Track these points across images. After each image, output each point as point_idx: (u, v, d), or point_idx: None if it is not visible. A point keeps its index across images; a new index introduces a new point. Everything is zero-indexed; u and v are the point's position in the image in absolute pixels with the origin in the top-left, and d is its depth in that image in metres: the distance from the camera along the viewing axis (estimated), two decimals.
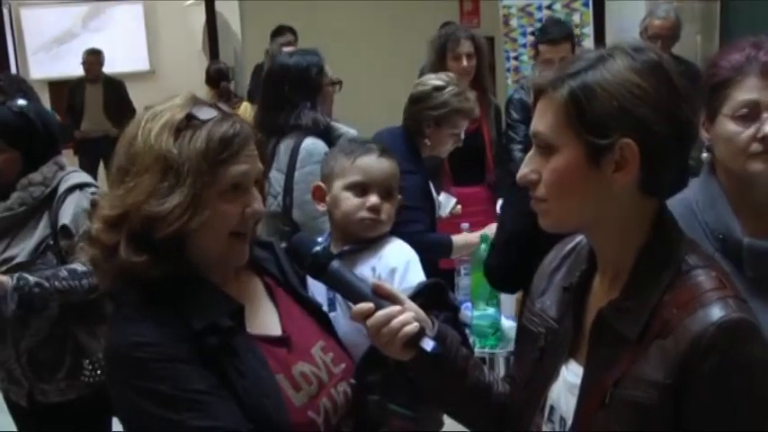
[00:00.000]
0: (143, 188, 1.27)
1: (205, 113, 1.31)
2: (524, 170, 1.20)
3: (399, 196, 1.91)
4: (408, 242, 2.25)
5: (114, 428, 2.73)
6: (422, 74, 3.73)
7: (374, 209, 1.79)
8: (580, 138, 1.13)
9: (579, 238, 1.34)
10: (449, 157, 3.56)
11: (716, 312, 1.09)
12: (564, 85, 1.14)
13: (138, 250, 1.28)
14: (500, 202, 3.02)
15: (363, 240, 1.82)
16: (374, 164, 1.82)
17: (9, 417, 2.79)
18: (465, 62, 3.83)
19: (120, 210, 1.29)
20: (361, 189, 1.81)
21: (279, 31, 6.49)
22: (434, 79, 3.14)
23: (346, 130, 3.04)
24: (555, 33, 4.11)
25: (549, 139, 1.16)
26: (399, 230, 2.80)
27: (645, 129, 1.12)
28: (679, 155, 1.17)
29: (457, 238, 3.03)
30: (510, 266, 2.36)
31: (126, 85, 8.36)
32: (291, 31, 6.49)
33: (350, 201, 1.80)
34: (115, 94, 8.02)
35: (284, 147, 2.91)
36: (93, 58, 8.11)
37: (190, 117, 1.30)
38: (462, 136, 3.14)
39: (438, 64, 3.81)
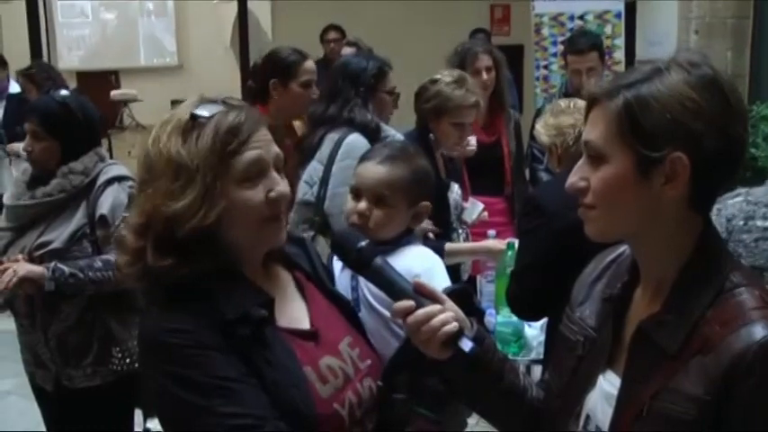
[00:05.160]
0: (158, 192, 1.31)
1: (209, 110, 1.34)
2: (573, 178, 1.20)
3: (426, 203, 1.89)
4: None
5: (138, 420, 2.76)
6: None
7: (360, 214, 1.81)
8: (631, 149, 1.14)
9: (621, 249, 1.34)
10: (468, 167, 3.57)
11: (759, 331, 1.09)
12: (619, 95, 1.14)
13: (164, 254, 1.31)
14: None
15: (382, 242, 1.81)
16: (367, 170, 1.85)
17: (34, 403, 2.82)
18: (484, 75, 3.85)
19: (144, 217, 1.33)
20: (355, 193, 1.85)
21: (326, 30, 6.73)
22: (438, 74, 3.16)
23: (394, 133, 3.05)
24: (581, 44, 4.13)
25: (600, 148, 1.17)
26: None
27: (696, 143, 1.11)
28: (728, 172, 1.17)
29: (481, 244, 3.03)
30: (531, 294, 2.36)
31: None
32: (338, 29, 6.67)
33: (348, 204, 1.86)
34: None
35: (329, 139, 2.95)
36: None
37: (194, 117, 1.33)
38: (470, 129, 3.14)
39: None
